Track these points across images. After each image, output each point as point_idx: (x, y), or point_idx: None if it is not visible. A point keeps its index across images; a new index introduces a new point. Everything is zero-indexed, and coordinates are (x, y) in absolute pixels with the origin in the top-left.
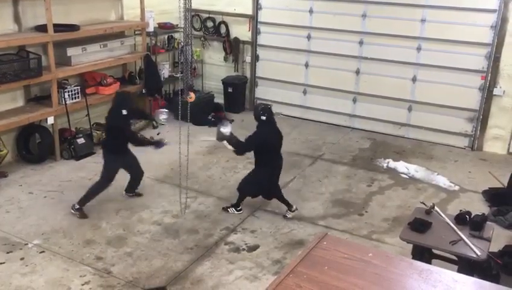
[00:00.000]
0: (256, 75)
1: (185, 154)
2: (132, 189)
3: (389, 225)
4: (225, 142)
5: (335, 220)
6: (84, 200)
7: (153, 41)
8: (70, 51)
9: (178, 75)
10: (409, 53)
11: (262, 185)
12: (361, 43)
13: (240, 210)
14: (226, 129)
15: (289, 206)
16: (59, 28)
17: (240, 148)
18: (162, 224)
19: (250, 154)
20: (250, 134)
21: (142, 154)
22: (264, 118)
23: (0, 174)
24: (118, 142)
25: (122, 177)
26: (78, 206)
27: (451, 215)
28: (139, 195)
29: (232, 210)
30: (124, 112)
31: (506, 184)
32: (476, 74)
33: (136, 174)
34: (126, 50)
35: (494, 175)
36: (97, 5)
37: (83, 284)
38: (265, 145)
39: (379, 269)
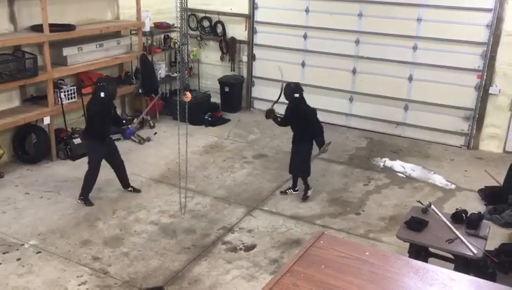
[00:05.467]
0: (253, 74)
1: (182, 154)
2: (125, 183)
3: (385, 224)
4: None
5: (332, 219)
6: (84, 193)
7: (149, 41)
8: (66, 51)
9: (175, 74)
10: (405, 52)
11: (306, 159)
12: (357, 42)
13: (311, 188)
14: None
15: (308, 187)
16: (55, 27)
17: (321, 132)
18: (159, 224)
19: (247, 154)
20: (311, 117)
21: (139, 154)
22: (297, 95)
23: None
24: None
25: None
26: (82, 197)
27: (447, 213)
28: (138, 191)
29: (309, 192)
30: (102, 94)
31: (502, 183)
32: (472, 73)
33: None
34: (122, 50)
35: (490, 174)
36: (93, 4)
37: (79, 285)
38: (305, 118)
39: (376, 267)
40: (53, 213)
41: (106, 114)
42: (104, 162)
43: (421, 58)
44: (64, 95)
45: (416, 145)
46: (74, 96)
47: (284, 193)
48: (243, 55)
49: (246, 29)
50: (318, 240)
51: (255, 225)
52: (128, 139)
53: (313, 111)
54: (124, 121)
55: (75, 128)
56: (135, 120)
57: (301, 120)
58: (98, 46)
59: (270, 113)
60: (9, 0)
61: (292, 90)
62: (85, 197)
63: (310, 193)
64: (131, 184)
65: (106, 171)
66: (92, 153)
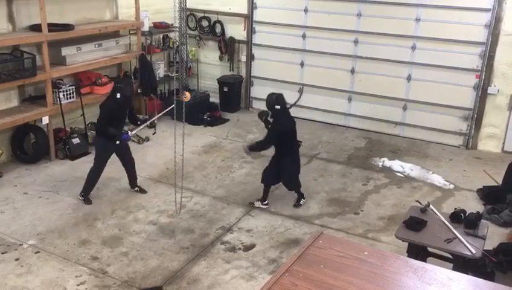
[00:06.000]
0: (252, 74)
1: (180, 154)
2: (132, 183)
3: (384, 224)
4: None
5: (331, 219)
6: (85, 190)
7: (148, 41)
8: (65, 51)
9: (173, 74)
10: (403, 52)
11: (295, 173)
12: (356, 42)
13: (305, 197)
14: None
15: (302, 196)
16: (53, 27)
17: (263, 145)
18: (158, 224)
19: (245, 154)
20: (271, 126)
21: (138, 154)
22: (278, 107)
23: None
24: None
25: (118, 175)
26: (83, 194)
27: (446, 213)
28: (144, 191)
29: (303, 201)
30: (118, 95)
31: (500, 182)
32: (471, 73)
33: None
34: (121, 49)
35: (489, 173)
36: (92, 4)
37: (78, 285)
38: (287, 133)
39: (374, 267)
40: (52, 213)
41: (119, 114)
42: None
43: (419, 58)
44: (63, 95)
45: (414, 145)
46: (73, 96)
47: (251, 203)
48: (241, 55)
49: (244, 29)
50: (317, 240)
51: (254, 225)
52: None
53: (291, 126)
54: (138, 123)
55: (73, 128)
56: (140, 127)
57: (280, 134)
58: (96, 45)
59: (262, 115)
60: None
61: (273, 101)
62: (86, 194)
63: (303, 201)
64: (138, 185)
65: (106, 170)
66: (100, 149)
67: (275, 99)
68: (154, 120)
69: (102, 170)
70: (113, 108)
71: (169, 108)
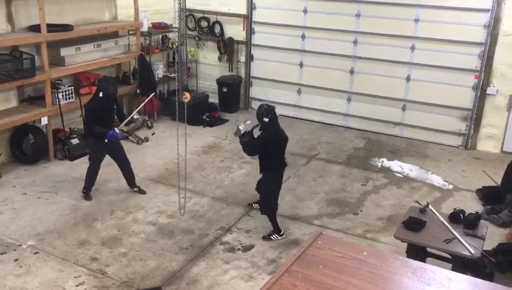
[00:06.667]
0: (251, 74)
1: (181, 155)
2: (130, 183)
3: (383, 224)
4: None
5: (330, 220)
6: (86, 187)
7: (147, 41)
8: (64, 51)
9: (172, 75)
10: (402, 52)
11: (277, 191)
12: (355, 42)
13: (282, 234)
14: (242, 127)
15: (277, 230)
16: (52, 28)
17: (246, 148)
18: (157, 224)
19: (245, 154)
20: (259, 136)
21: (137, 154)
22: (266, 119)
23: None
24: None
25: (116, 176)
26: (84, 191)
27: (445, 213)
28: (143, 192)
29: (275, 237)
30: (101, 94)
31: (499, 183)
32: (470, 73)
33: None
34: (120, 50)
35: (488, 174)
36: (91, 4)
37: (77, 285)
38: (270, 148)
39: (374, 267)
40: (51, 213)
41: (104, 113)
42: (105, 162)
43: (418, 59)
44: (62, 96)
45: (414, 145)
46: (72, 97)
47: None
48: (241, 56)
49: (244, 30)
50: (316, 240)
51: (253, 225)
52: (111, 140)
53: (280, 141)
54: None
55: (72, 129)
56: (123, 122)
57: (264, 147)
58: (95, 46)
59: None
60: (7, 0)
61: (262, 112)
62: (87, 190)
63: (275, 237)
64: (137, 185)
65: (104, 171)
66: (91, 150)
67: (263, 111)
68: (135, 113)
69: (97, 170)
70: (95, 107)
71: (147, 99)
